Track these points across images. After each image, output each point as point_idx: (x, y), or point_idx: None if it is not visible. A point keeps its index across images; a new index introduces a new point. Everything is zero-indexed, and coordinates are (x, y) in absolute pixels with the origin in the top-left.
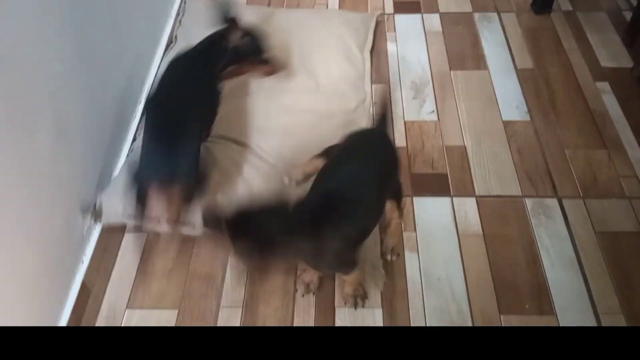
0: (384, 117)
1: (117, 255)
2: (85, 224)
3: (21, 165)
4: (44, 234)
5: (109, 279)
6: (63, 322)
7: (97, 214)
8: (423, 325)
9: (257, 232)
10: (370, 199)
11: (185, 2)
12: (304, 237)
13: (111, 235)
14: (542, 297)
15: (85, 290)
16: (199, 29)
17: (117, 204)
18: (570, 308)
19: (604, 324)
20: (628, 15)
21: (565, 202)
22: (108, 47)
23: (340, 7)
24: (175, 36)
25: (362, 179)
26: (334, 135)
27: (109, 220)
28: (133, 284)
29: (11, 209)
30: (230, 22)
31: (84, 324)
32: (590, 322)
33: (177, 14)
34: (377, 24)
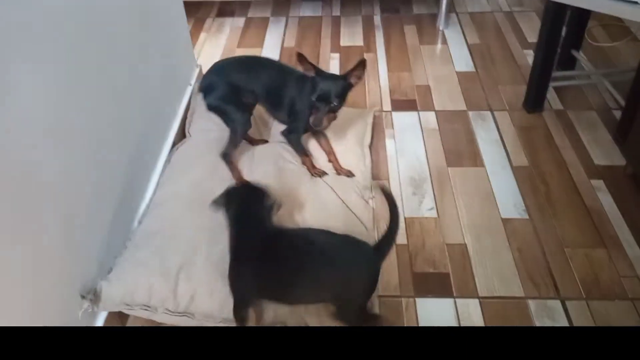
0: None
1: None
2: (82, 309)
3: (28, 258)
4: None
5: None
6: None
7: (95, 300)
8: None
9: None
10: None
11: (196, 100)
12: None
13: None
14: None
15: None
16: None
17: (116, 290)
18: None
19: None
20: (617, 114)
21: (568, 303)
22: (115, 143)
23: None
24: (189, 130)
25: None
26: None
27: (106, 308)
28: None
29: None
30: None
31: None
32: None
33: (185, 111)
34: (375, 120)
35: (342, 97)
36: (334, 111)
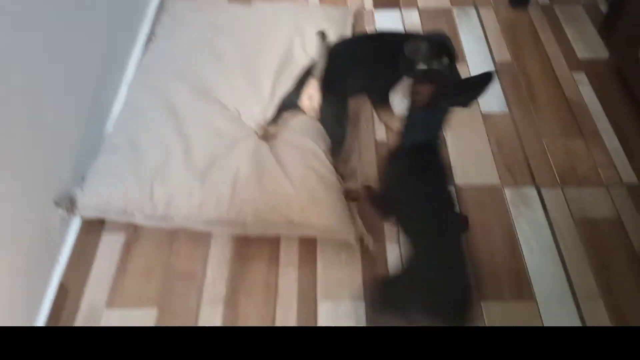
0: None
1: (95, 255)
2: (59, 217)
3: None
4: (18, 233)
5: (87, 279)
6: (40, 322)
7: (71, 207)
8: None
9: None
10: None
11: (163, 1)
12: None
13: (89, 236)
14: (521, 283)
15: (63, 290)
16: (179, 27)
17: (91, 197)
18: (550, 293)
19: (583, 309)
20: (604, 8)
21: (543, 191)
22: (82, 41)
23: (321, 2)
24: (154, 33)
25: None
26: None
27: (83, 214)
28: (112, 283)
29: None
30: None
31: (62, 324)
32: (570, 306)
33: (155, 12)
34: (356, 18)
35: None
36: None
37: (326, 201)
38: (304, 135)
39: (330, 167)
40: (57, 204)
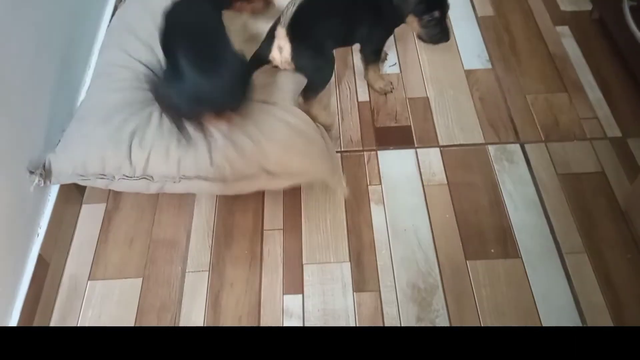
0: None
1: (75, 226)
2: (34, 185)
3: None
4: None
5: (68, 251)
6: (20, 297)
7: (46, 174)
8: (391, 275)
9: None
10: None
11: None
12: None
13: (67, 206)
14: (507, 240)
15: (42, 263)
16: None
17: (67, 163)
18: (535, 249)
19: (568, 264)
20: None
21: (527, 147)
22: (49, 6)
23: None
24: None
25: None
26: None
27: (59, 180)
28: (94, 254)
29: None
30: None
31: (43, 298)
32: (555, 262)
33: None
34: None
35: None
36: None
37: (300, 145)
38: (271, 92)
39: (304, 117)
40: (31, 172)
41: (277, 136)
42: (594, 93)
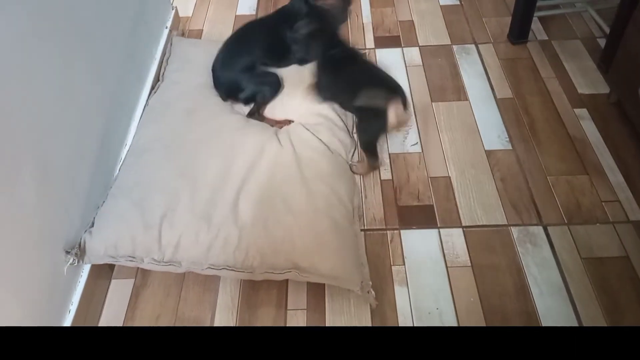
0: None
1: (104, 302)
2: (68, 263)
3: (5, 212)
4: (28, 282)
5: (96, 326)
6: None
7: (80, 254)
8: None
9: None
10: None
11: (171, 44)
12: None
13: (98, 282)
14: (532, 325)
15: None
16: (185, 67)
17: (99, 243)
18: None
19: None
20: (602, 42)
21: (550, 229)
22: (90, 88)
23: None
24: (163, 75)
25: None
26: None
27: (91, 260)
28: None
29: None
30: None
31: None
32: None
33: (163, 54)
34: None
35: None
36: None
37: (333, 246)
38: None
39: (347, 208)
40: (67, 252)
41: (312, 228)
42: (614, 176)
